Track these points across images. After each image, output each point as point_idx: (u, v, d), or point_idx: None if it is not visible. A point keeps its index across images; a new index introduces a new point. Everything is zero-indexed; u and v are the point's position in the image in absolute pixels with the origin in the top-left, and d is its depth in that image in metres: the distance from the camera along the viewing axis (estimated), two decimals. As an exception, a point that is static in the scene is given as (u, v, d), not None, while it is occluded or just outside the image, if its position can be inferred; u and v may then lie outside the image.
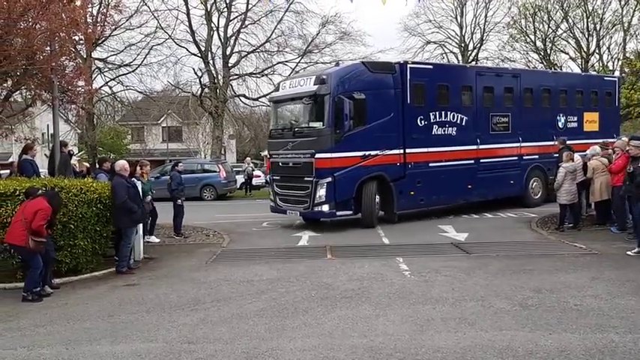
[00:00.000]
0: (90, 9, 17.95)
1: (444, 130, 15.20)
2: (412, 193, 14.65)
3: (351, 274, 9.13)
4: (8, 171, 14.12)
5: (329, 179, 13.39)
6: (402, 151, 14.42)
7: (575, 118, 18.37)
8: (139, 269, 10.36)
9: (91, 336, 6.53)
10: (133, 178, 11.19)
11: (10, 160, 36.43)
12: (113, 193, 9.86)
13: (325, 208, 13.53)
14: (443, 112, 15.16)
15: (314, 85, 13.45)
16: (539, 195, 17.48)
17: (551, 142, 16.66)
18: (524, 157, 16.97)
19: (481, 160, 15.98)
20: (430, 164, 14.90)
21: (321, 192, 13.41)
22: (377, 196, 14.12)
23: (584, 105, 18.83)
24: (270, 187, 15.23)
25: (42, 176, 9.20)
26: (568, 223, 12.87)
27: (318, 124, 13.52)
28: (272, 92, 15.40)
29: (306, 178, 13.65)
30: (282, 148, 14.36)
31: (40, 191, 8.65)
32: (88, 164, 21.99)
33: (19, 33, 9.43)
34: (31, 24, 9.66)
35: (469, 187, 15.74)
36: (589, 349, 5.52)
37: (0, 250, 9.32)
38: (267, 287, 8.47)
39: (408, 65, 14.72)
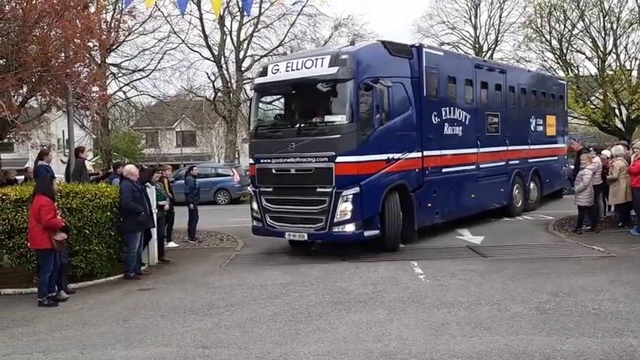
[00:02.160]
0: (104, 15, 18.11)
1: (453, 130, 12.91)
2: (429, 205, 12.08)
3: (365, 278, 9.08)
4: (24, 177, 14.26)
5: (355, 189, 10.22)
6: (420, 154, 11.78)
7: (542, 121, 17.25)
8: (153, 274, 10.40)
9: (105, 341, 6.55)
10: (148, 183, 11.26)
11: (26, 165, 36.88)
12: (119, 195, 9.98)
13: (350, 227, 10.31)
14: (452, 109, 12.89)
15: (329, 66, 10.31)
16: (519, 204, 16.02)
17: (527, 147, 16.01)
18: (509, 163, 15.25)
19: (481, 166, 13.98)
20: (443, 170, 12.52)
21: (345, 206, 10.21)
22: (400, 211, 11.22)
23: (547, 107, 17.86)
24: (254, 201, 11.39)
25: (57, 182, 9.26)
26: (586, 225, 12.69)
27: (338, 118, 10.47)
28: (256, 78, 11.93)
29: (319, 189, 10.41)
30: (277, 151, 10.84)
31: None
32: (101, 171, 22.16)
33: (34, 40, 9.53)
34: (45, 31, 9.76)
35: (472, 196, 13.74)
36: (607, 354, 5.43)
37: (16, 255, 9.43)
38: (281, 291, 8.44)
39: (424, 49, 12.12)
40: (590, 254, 10.37)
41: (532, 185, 16.71)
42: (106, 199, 9.73)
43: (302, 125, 10.81)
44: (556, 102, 18.60)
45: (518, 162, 15.62)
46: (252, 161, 11.55)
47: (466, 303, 7.39)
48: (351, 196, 10.20)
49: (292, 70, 10.85)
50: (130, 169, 10.48)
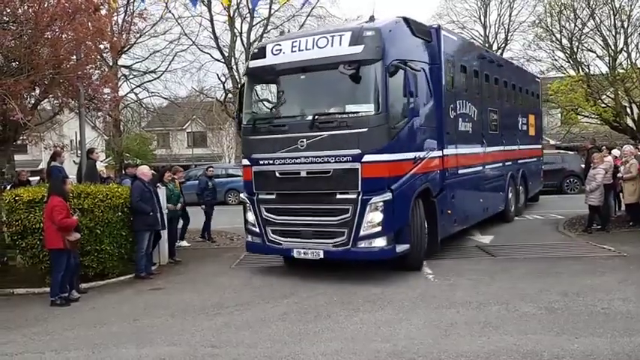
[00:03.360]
0: (115, 17, 18.26)
1: (465, 127, 11.40)
2: (449, 212, 10.51)
3: (373, 277, 9.10)
4: (38, 177, 14.43)
5: (387, 195, 8.49)
6: (441, 153, 10.25)
7: (526, 120, 16.22)
8: (164, 274, 10.48)
9: (117, 340, 6.63)
10: (159, 184, 11.37)
11: (40, 167, 37.27)
12: (130, 195, 10.08)
13: (379, 242, 8.53)
14: (464, 102, 11.37)
15: (351, 45, 8.60)
16: (513, 208, 14.90)
17: (516, 147, 14.98)
18: (505, 164, 14.03)
19: (486, 167, 12.65)
20: (459, 171, 11.03)
21: (375, 216, 8.47)
22: (425, 221, 9.61)
23: (529, 105, 16.96)
24: (250, 212, 9.52)
25: (70, 183, 9.36)
26: (596, 224, 12.63)
27: (364, 108, 8.65)
28: (251, 60, 9.92)
29: (340, 196, 8.67)
30: (283, 149, 8.99)
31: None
32: (111, 174, 22.30)
33: (45, 43, 9.63)
34: (57, 34, 9.86)
35: (481, 200, 12.57)
36: (616, 353, 5.42)
37: (29, 255, 9.55)
38: (290, 291, 8.48)
39: (442, 32, 10.52)
40: (600, 254, 10.31)
41: (521, 188, 15.80)
42: (117, 200, 9.83)
43: (316, 117, 8.75)
44: (534, 100, 17.90)
45: (511, 163, 14.50)
46: (246, 162, 9.58)
47: (475, 303, 7.39)
48: (382, 203, 8.45)
49: (300, 50, 9.04)
50: (141, 170, 10.65)
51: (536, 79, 19.62)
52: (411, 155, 9.17)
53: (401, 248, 8.78)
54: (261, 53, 9.63)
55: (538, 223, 14.78)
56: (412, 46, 9.63)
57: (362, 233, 8.52)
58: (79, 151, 15.07)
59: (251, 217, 9.52)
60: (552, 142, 36.90)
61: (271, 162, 9.18)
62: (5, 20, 9.94)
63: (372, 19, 9.27)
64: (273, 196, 9.28)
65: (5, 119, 9.80)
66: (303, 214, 9.01)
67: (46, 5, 9.68)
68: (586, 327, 6.23)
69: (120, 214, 9.87)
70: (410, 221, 9.02)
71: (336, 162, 8.62)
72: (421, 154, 9.50)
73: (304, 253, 8.92)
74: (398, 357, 5.62)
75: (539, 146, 18.35)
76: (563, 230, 13.13)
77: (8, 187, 12.72)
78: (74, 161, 26.21)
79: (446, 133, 10.35)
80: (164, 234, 11.13)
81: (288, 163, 8.99)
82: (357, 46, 8.58)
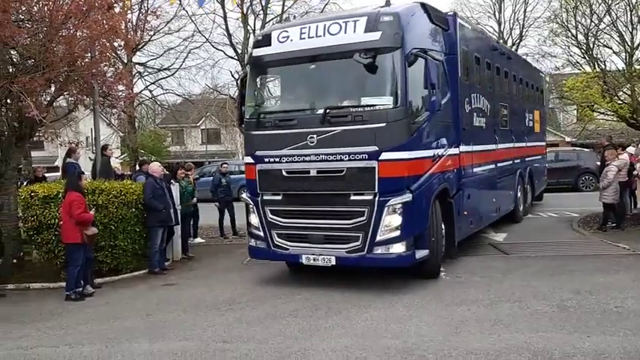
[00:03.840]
0: (129, 15, 18.37)
1: (479, 122, 10.75)
2: (465, 213, 9.91)
3: (385, 275, 9.09)
4: (59, 174, 14.62)
5: (406, 197, 7.83)
6: (458, 150, 9.59)
7: (532, 116, 15.59)
8: (177, 269, 10.58)
9: (130, 334, 6.71)
10: (172, 180, 11.47)
11: (56, 163, 37.70)
12: (142, 192, 10.19)
13: (398, 248, 7.85)
14: (478, 96, 10.68)
15: (367, 32, 7.91)
16: (521, 208, 14.31)
17: (524, 144, 14.39)
18: (515, 162, 13.39)
19: (498, 165, 11.99)
20: (474, 170, 10.41)
21: (393, 219, 7.80)
22: (443, 224, 8.97)
23: (535, 101, 16.46)
24: (253, 213, 8.81)
25: (85, 179, 9.47)
26: (611, 222, 12.51)
27: (382, 101, 7.93)
28: (255, 49, 9.04)
29: (354, 197, 7.99)
30: (291, 146, 8.29)
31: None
32: (126, 170, 22.46)
33: (60, 40, 9.72)
34: (72, 31, 9.94)
35: (494, 200, 11.95)
36: (628, 352, 5.38)
37: (45, 251, 9.68)
38: (301, 288, 8.51)
39: (458, 20, 9.91)
40: (614, 252, 10.23)
41: (528, 187, 15.25)
42: (131, 196, 9.93)
43: (327, 111, 8.03)
44: (539, 95, 17.41)
45: (519, 161, 13.85)
46: (249, 160, 8.85)
47: (486, 300, 7.37)
48: (401, 205, 7.77)
49: (310, 37, 8.34)
50: (152, 166, 10.77)
51: (540, 74, 19.14)
52: (430, 153, 8.51)
53: (420, 254, 8.08)
54: (265, 40, 8.78)
55: (552, 220, 14.67)
56: (430, 34, 8.90)
57: (379, 238, 7.83)
58: (94, 148, 15.21)
59: (254, 219, 8.79)
60: (568, 139, 36.58)
61: (277, 160, 8.44)
62: (21, 18, 10.05)
63: (388, 3, 8.44)
64: (280, 197, 8.56)
65: (21, 116, 9.92)
66: (312, 216, 8.30)
67: (60, 3, 9.77)
68: (598, 325, 6.19)
69: (134, 210, 9.97)
70: (429, 224, 8.40)
71: (350, 160, 7.93)
72: (439, 152, 8.83)
73: (314, 260, 8.22)
74: (408, 353, 5.63)
75: (544, 143, 18.05)
76: (578, 228, 13.02)
77: (25, 183, 12.92)
78: (89, 158, 26.51)
79: (462, 128, 9.69)
80: (177, 230, 11.23)
81: (297, 161, 8.30)
82: (373, 32, 7.86)
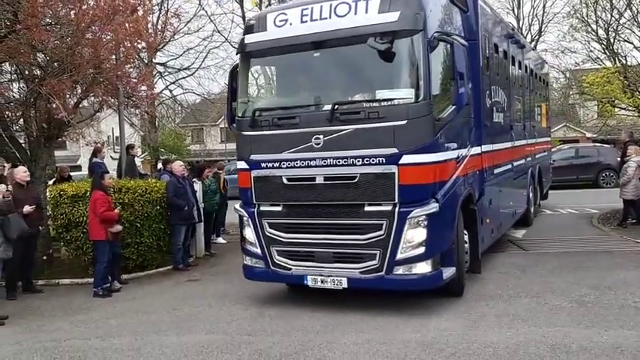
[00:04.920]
0: (150, 17, 18.71)
1: (498, 117, 9.70)
2: (488, 220, 8.89)
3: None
4: (80, 173, 14.97)
5: (432, 207, 6.70)
6: (480, 149, 8.50)
7: (539, 110, 14.72)
8: (200, 266, 10.83)
9: (157, 327, 6.96)
10: (194, 179, 11.74)
11: (79, 162, 38.38)
12: (165, 190, 10.48)
13: (423, 267, 6.73)
14: (497, 88, 9.60)
15: (381, 12, 6.70)
16: (533, 209, 13.46)
17: (534, 140, 13.35)
18: (527, 159, 12.40)
19: (514, 164, 10.98)
20: (495, 171, 9.38)
21: (416, 234, 6.68)
22: (466, 235, 7.97)
23: (542, 93, 15.51)
24: (249, 227, 7.60)
25: (110, 177, 9.76)
26: (631, 219, 12.49)
27: (402, 94, 6.72)
28: (247, 35, 7.68)
29: (369, 208, 6.83)
30: (292, 148, 7.13)
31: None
32: (147, 169, 22.80)
33: (86, 43, 10.00)
34: (97, 35, 10.23)
35: (510, 203, 10.94)
36: (645, 346, 5.47)
37: (73, 248, 9.99)
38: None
39: (479, 1, 8.66)
40: (634, 248, 10.23)
41: (537, 187, 14.34)
42: (155, 194, 10.20)
43: (336, 107, 6.84)
44: (545, 87, 16.51)
45: (530, 159, 12.82)
46: (243, 165, 7.61)
47: (505, 296, 7.48)
48: (425, 217, 6.63)
49: (313, 20, 7.08)
50: (174, 166, 11.07)
51: (545, 63, 18.19)
52: (454, 154, 7.39)
53: (448, 273, 6.95)
54: (260, 25, 7.54)
55: (572, 217, 14.66)
56: (450, 16, 7.76)
57: (399, 256, 6.69)
58: (117, 147, 15.52)
59: (250, 234, 7.58)
60: (588, 134, 36.26)
61: (277, 165, 7.25)
62: (48, 22, 10.35)
63: None
64: (280, 208, 7.35)
65: (50, 117, 10.23)
66: (319, 231, 7.12)
67: (86, 7, 10.05)
68: (616, 320, 6.27)
69: (158, 207, 10.24)
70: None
71: (364, 164, 6.74)
72: (463, 152, 7.70)
73: (322, 282, 7.06)
74: (427, 347, 5.78)
75: (550, 139, 17.50)
76: (597, 224, 13.02)
77: (50, 182, 13.27)
78: (111, 156, 26.97)
79: (484, 125, 8.65)
80: (200, 227, 11.48)
81: (300, 167, 7.11)
82: (390, 12, 6.64)
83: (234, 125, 7.86)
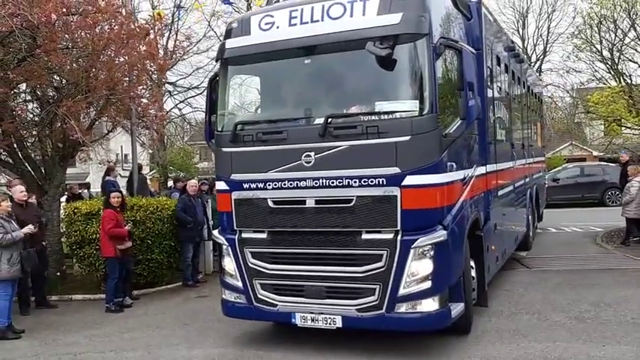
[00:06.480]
0: (161, 40, 19.17)
1: (501, 134, 9.05)
2: (493, 247, 8.09)
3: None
4: (98, 190, 15.28)
5: (439, 235, 5.89)
6: (485, 168, 7.73)
7: (536, 129, 14.19)
8: (209, 282, 11.04)
9: (169, 341, 7.20)
10: (207, 195, 12.04)
11: (87, 179, 38.82)
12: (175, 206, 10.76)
13: (429, 305, 5.88)
14: (499, 103, 8.93)
15: (380, 14, 5.95)
16: (531, 231, 12.68)
17: (531, 159, 12.62)
18: (526, 180, 11.63)
19: (515, 184, 10.30)
20: (499, 192, 8.66)
21: (421, 266, 5.87)
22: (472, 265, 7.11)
23: (538, 111, 15.09)
24: (229, 257, 6.71)
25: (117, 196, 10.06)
26: (633, 237, 12.64)
27: (405, 106, 5.94)
28: (228, 39, 6.78)
29: (367, 236, 6.01)
30: (277, 167, 6.32)
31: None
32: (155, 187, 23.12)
33: (101, 67, 10.37)
34: (112, 57, 10.60)
35: (513, 227, 10.21)
36: (641, 361, 5.65)
37: (86, 264, 10.26)
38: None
39: (483, 9, 7.99)
40: (636, 266, 10.37)
41: (535, 209, 13.49)
42: (166, 212, 10.48)
43: (329, 121, 6.01)
44: (540, 106, 16.07)
45: (528, 179, 12.02)
46: (222, 186, 6.77)
47: (506, 312, 7.67)
48: (431, 246, 5.83)
49: (304, 22, 6.28)
50: (189, 183, 11.42)
51: (540, 79, 18.02)
52: (461, 174, 6.58)
53: (456, 310, 6.14)
54: (243, 28, 6.65)
55: (576, 235, 14.81)
56: (455, 22, 6.99)
57: (402, 291, 5.86)
58: (125, 164, 15.84)
59: (230, 264, 6.69)
60: (595, 153, 36.36)
61: (261, 186, 6.38)
62: (65, 45, 10.72)
63: None
64: (264, 236, 6.46)
65: (65, 137, 10.55)
66: (309, 262, 6.26)
67: (101, 31, 10.42)
68: (614, 335, 6.45)
69: (168, 225, 10.51)
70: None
71: (361, 186, 5.92)
72: (469, 173, 6.91)
73: (312, 320, 6.19)
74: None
75: (544, 158, 17.38)
76: (601, 243, 13.16)
77: (62, 199, 13.59)
78: (120, 174, 27.40)
79: (488, 142, 7.88)
80: (209, 245, 11.72)
81: (288, 188, 6.24)
82: (391, 15, 5.87)
83: (213, 141, 6.98)
